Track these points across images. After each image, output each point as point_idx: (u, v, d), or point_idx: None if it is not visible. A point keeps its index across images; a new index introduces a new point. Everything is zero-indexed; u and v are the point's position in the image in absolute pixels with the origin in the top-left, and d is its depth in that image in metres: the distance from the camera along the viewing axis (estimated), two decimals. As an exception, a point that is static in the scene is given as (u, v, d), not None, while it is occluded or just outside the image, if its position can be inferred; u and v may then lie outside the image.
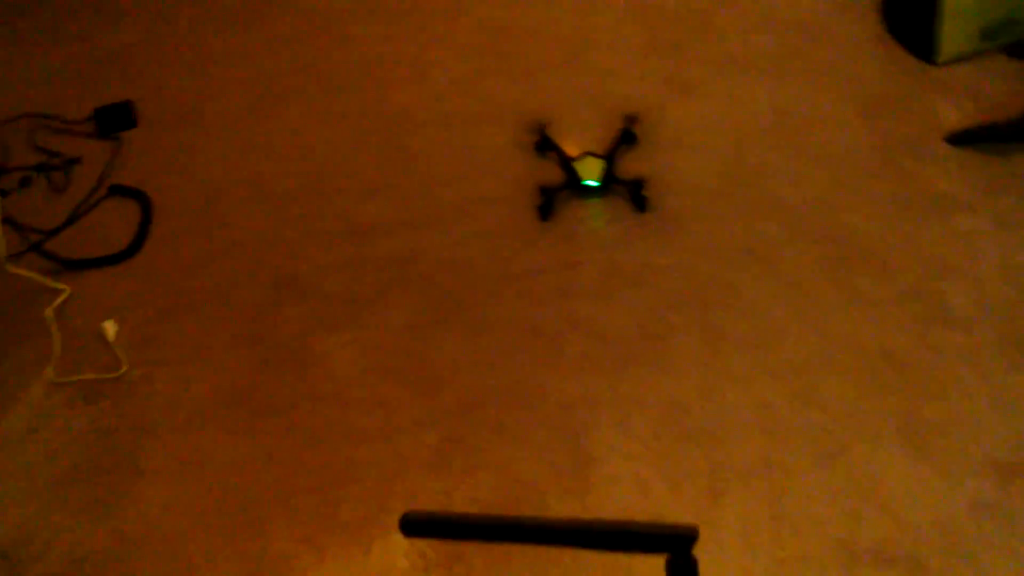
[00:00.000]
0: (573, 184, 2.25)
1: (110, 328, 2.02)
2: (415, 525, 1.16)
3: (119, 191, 2.32)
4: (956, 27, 2.39)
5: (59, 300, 2.09)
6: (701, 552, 1.68)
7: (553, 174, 2.31)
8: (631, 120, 2.38)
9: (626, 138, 2.34)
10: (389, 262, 2.17)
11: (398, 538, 1.75)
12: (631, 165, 2.32)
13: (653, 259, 2.12)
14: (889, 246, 2.08)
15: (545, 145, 2.34)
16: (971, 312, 1.95)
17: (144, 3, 2.92)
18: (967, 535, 1.67)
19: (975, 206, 2.12)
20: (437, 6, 2.79)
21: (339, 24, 2.77)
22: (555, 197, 2.25)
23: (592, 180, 2.25)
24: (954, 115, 2.30)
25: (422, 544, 1.75)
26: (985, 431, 1.78)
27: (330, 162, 2.40)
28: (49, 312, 2.05)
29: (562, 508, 1.76)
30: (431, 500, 1.79)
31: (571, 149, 2.34)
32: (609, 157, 2.29)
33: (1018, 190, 2.14)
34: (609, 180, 2.25)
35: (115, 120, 2.47)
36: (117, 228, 2.27)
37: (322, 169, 2.38)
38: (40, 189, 2.34)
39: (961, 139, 2.24)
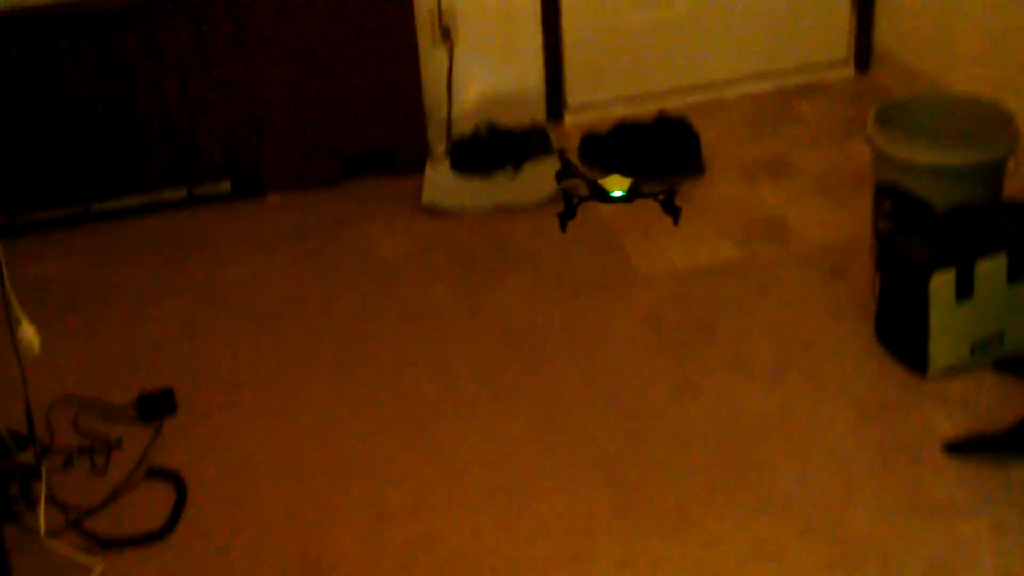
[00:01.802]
0: (598, 194, 2.24)
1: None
2: None
3: (156, 473, 2.44)
4: (945, 342, 2.57)
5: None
6: None
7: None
8: None
9: None
10: (411, 545, 2.26)
11: None
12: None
13: (666, 552, 2.20)
14: (890, 547, 2.17)
15: (566, 171, 2.33)
16: (974, 616, 2.02)
17: (183, 297, 3.14)
18: None
19: (973, 513, 2.22)
20: (460, 311, 3.00)
21: (363, 326, 2.97)
22: (576, 204, 2.23)
23: (619, 190, 2.24)
24: (948, 425, 2.45)
25: None
26: None
27: (358, 447, 2.53)
28: (85, 587, 2.13)
29: None
30: None
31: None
32: (636, 180, 2.28)
33: (1014, 499, 2.25)
34: (636, 192, 2.23)
35: (156, 406, 2.62)
36: (152, 509, 2.38)
37: (350, 453, 2.51)
38: (81, 469, 2.46)
39: (957, 448, 2.36)
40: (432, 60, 3.70)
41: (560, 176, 2.36)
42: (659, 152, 3.52)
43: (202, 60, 3.38)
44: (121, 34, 3.30)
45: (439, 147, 3.64)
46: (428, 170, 3.57)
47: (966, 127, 2.93)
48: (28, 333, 2.28)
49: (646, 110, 3.78)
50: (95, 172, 3.45)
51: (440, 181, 3.53)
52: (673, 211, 2.24)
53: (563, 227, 2.27)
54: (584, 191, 2.24)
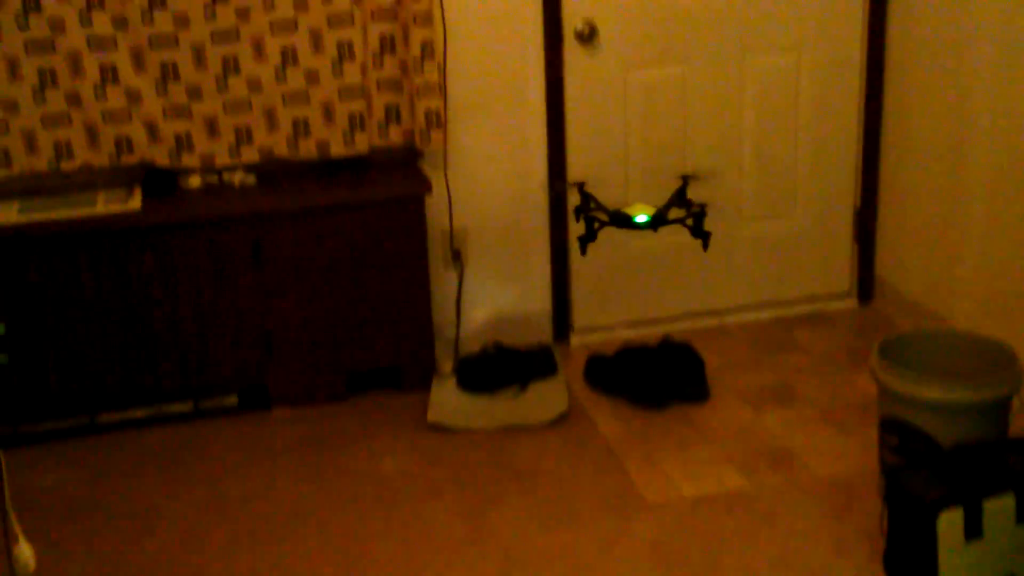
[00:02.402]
0: (619, 221, 2.10)
1: None
2: None
3: None
4: (956, 584, 2.53)
5: None
6: None
7: None
8: (687, 178, 2.24)
9: (680, 198, 2.18)
10: None
11: None
12: None
13: None
14: None
15: (586, 204, 2.16)
16: None
17: (183, 511, 3.11)
18: None
19: None
20: (460, 533, 2.96)
21: (362, 544, 2.93)
22: (598, 229, 2.09)
23: (643, 215, 2.10)
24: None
25: None
26: None
27: None
28: None
29: None
30: None
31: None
32: (662, 209, 2.13)
33: None
34: (661, 220, 2.10)
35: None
36: None
37: None
38: None
39: None
40: (441, 280, 3.78)
41: (579, 209, 2.26)
42: (664, 376, 3.56)
43: (216, 278, 3.45)
44: (139, 251, 3.38)
45: (446, 365, 3.68)
46: (434, 388, 3.59)
47: (970, 364, 2.97)
48: (25, 552, 2.25)
49: (651, 334, 3.84)
50: (104, 384, 3.48)
51: (446, 399, 3.54)
52: (703, 235, 2.12)
53: (583, 250, 2.18)
54: (604, 218, 2.15)
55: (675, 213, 2.08)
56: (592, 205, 2.29)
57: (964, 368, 2.96)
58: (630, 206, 2.22)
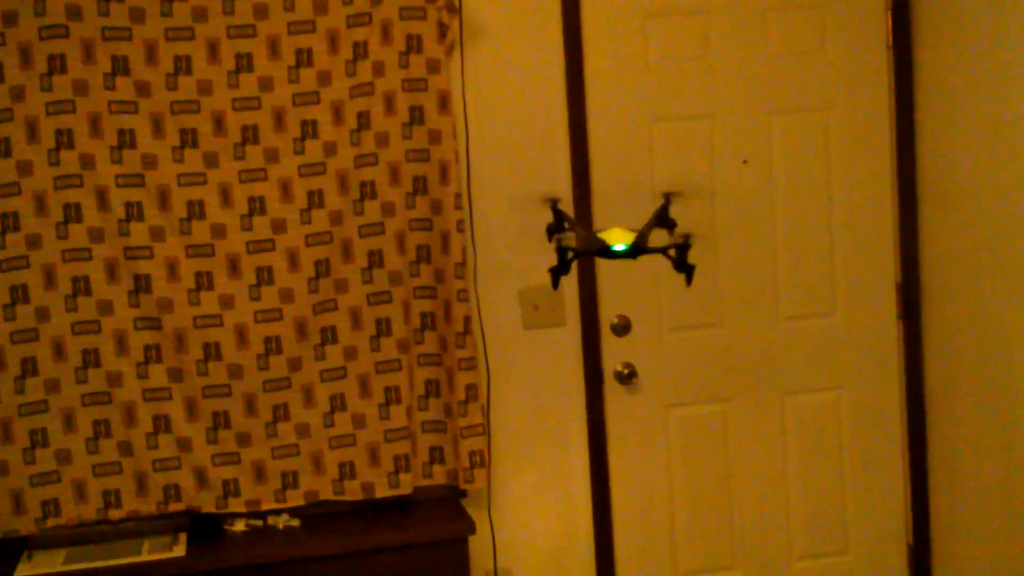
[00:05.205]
0: (596, 249, 1.96)
1: None
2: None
3: None
4: None
5: None
6: None
7: None
8: (669, 196, 2.03)
9: (662, 218, 2.00)
10: None
11: None
12: None
13: None
14: None
15: (559, 223, 2.01)
16: None
17: None
18: None
19: None
20: None
21: None
22: (571, 259, 1.95)
23: (621, 244, 1.95)
24: None
25: None
26: None
27: None
28: None
29: None
30: None
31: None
32: (643, 232, 1.97)
33: None
34: (640, 248, 1.94)
35: None
36: None
37: None
38: None
39: None
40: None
41: (552, 229, 2.05)
42: None
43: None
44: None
45: None
46: None
47: None
48: None
49: None
50: None
51: None
52: (686, 269, 1.95)
53: (555, 283, 1.98)
54: (577, 244, 1.98)
55: (657, 240, 1.89)
56: (566, 226, 2.07)
57: None
58: (607, 231, 2.00)
